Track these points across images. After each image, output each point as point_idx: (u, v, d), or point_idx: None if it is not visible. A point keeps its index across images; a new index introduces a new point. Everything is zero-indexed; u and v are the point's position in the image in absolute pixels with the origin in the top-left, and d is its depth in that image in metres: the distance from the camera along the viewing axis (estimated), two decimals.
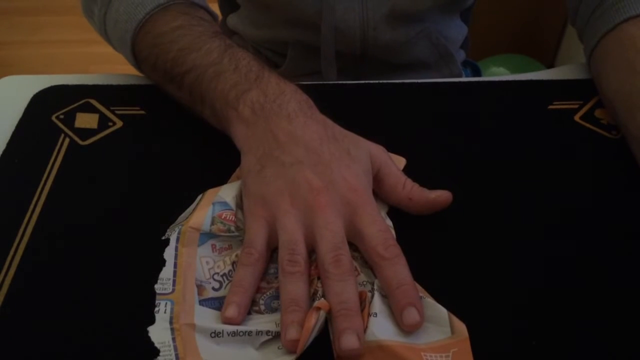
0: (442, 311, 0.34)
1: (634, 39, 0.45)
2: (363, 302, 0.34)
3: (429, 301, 0.34)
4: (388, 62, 0.62)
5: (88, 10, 0.53)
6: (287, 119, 0.39)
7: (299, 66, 0.64)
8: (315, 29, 0.58)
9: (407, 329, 0.33)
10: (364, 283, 0.36)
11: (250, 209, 0.38)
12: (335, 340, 0.32)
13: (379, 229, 0.36)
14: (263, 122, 0.40)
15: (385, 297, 0.35)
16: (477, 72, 0.74)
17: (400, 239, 0.36)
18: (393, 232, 0.38)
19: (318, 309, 0.33)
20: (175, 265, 0.37)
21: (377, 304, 0.34)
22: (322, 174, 0.37)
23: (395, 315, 0.33)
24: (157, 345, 0.33)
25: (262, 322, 0.34)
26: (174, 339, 0.33)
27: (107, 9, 0.49)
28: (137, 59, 0.49)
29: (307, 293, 0.34)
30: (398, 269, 0.34)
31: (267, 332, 0.33)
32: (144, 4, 0.47)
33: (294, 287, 0.34)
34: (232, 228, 0.38)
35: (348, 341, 0.31)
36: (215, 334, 0.33)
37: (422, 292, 0.35)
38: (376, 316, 0.33)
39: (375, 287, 0.35)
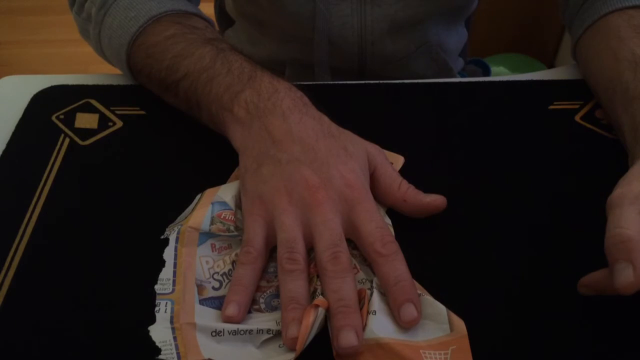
0: (441, 308, 0.34)
1: (618, 28, 0.46)
2: (362, 300, 0.34)
3: (428, 299, 0.34)
4: (385, 78, 0.62)
5: (84, 31, 0.53)
6: (282, 116, 0.39)
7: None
8: (312, 46, 0.58)
9: (404, 326, 0.33)
10: (363, 281, 0.36)
11: (248, 207, 0.38)
12: (333, 338, 0.32)
13: (377, 226, 0.36)
14: (258, 121, 0.40)
15: (383, 294, 0.35)
16: (485, 69, 0.74)
17: (399, 238, 0.36)
18: (392, 229, 0.38)
19: (316, 306, 0.33)
20: (174, 266, 0.37)
21: (376, 302, 0.34)
22: (318, 171, 0.37)
23: (393, 311, 0.33)
24: (158, 344, 0.33)
25: (263, 321, 0.34)
26: (175, 338, 0.33)
27: (101, 27, 0.50)
28: (132, 72, 0.50)
29: (307, 291, 0.34)
30: (396, 266, 0.34)
31: (268, 331, 0.33)
32: (137, 18, 0.47)
33: (294, 285, 0.34)
34: (232, 227, 0.38)
35: (346, 338, 0.31)
36: (216, 333, 0.33)
37: (421, 290, 0.35)
38: (375, 314, 0.33)
39: (374, 284, 0.35)
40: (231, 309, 0.34)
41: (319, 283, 0.35)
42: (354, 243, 0.37)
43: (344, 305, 0.33)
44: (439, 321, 0.33)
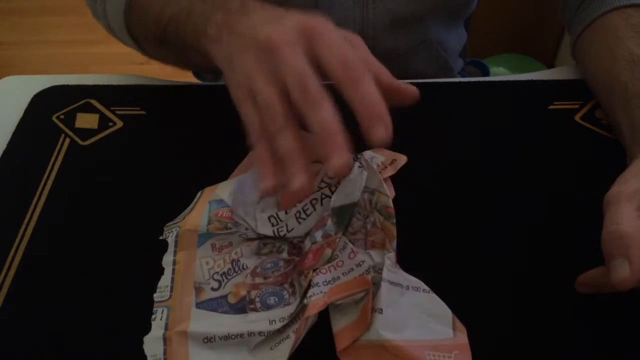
0: (447, 311, 0.34)
1: (616, 28, 0.46)
2: (364, 294, 0.34)
3: (436, 299, 0.34)
4: None
5: (94, 11, 0.53)
6: (247, 14, 0.38)
7: None
8: None
9: (373, 144, 0.32)
10: (364, 265, 0.35)
11: (234, 97, 0.36)
12: (324, 166, 0.31)
13: (340, 52, 0.34)
14: (227, 32, 0.39)
15: (393, 284, 0.34)
16: (484, 70, 0.74)
17: (400, 239, 0.36)
18: (390, 202, 0.38)
19: (306, 318, 0.33)
20: (173, 272, 0.37)
21: (384, 298, 0.34)
22: (277, 25, 0.35)
23: (363, 132, 0.32)
24: (149, 358, 0.33)
25: (256, 322, 0.34)
26: (165, 351, 0.33)
27: (106, 2, 0.50)
28: (135, 40, 0.49)
29: (299, 142, 0.33)
30: (364, 88, 0.33)
31: (260, 333, 0.33)
32: None
33: (284, 142, 0.33)
34: (229, 224, 0.38)
35: (337, 162, 0.30)
36: (208, 339, 0.33)
37: (426, 288, 0.35)
38: (382, 312, 0.33)
39: (384, 275, 0.35)
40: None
41: (314, 275, 0.35)
42: (351, 229, 0.37)
43: (327, 133, 0.31)
44: (444, 323, 0.34)
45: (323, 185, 0.40)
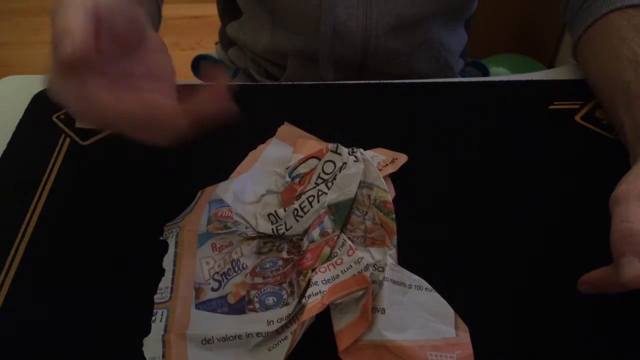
0: (449, 311, 0.34)
1: (618, 28, 0.46)
2: (365, 293, 0.34)
3: (439, 298, 0.34)
4: (387, 74, 0.62)
5: None
6: None
7: (297, 78, 0.63)
8: (316, 37, 0.58)
9: None
10: (365, 265, 0.35)
11: None
12: None
13: None
14: None
15: (396, 283, 0.34)
16: (485, 72, 0.74)
17: (400, 238, 0.36)
18: (389, 197, 0.38)
19: (302, 322, 0.33)
20: (173, 273, 0.37)
21: (386, 297, 0.34)
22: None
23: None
24: None
25: (254, 323, 0.34)
26: (163, 354, 0.33)
27: None
28: None
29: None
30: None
31: (258, 334, 0.33)
32: None
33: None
34: (229, 224, 0.38)
35: None
36: (206, 341, 0.33)
37: (429, 286, 0.35)
38: (384, 313, 0.33)
39: (387, 274, 0.35)
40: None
41: (312, 275, 0.35)
42: (351, 226, 0.38)
43: None
44: (446, 323, 0.34)
45: (319, 181, 0.40)
